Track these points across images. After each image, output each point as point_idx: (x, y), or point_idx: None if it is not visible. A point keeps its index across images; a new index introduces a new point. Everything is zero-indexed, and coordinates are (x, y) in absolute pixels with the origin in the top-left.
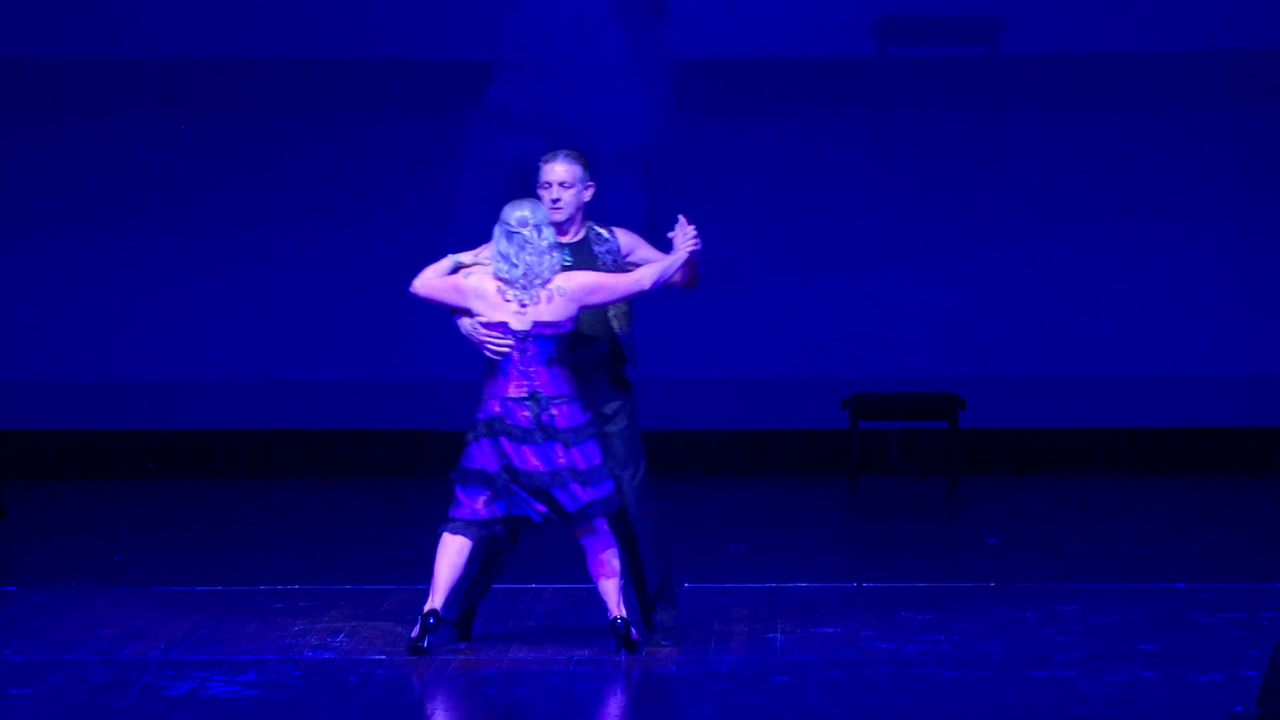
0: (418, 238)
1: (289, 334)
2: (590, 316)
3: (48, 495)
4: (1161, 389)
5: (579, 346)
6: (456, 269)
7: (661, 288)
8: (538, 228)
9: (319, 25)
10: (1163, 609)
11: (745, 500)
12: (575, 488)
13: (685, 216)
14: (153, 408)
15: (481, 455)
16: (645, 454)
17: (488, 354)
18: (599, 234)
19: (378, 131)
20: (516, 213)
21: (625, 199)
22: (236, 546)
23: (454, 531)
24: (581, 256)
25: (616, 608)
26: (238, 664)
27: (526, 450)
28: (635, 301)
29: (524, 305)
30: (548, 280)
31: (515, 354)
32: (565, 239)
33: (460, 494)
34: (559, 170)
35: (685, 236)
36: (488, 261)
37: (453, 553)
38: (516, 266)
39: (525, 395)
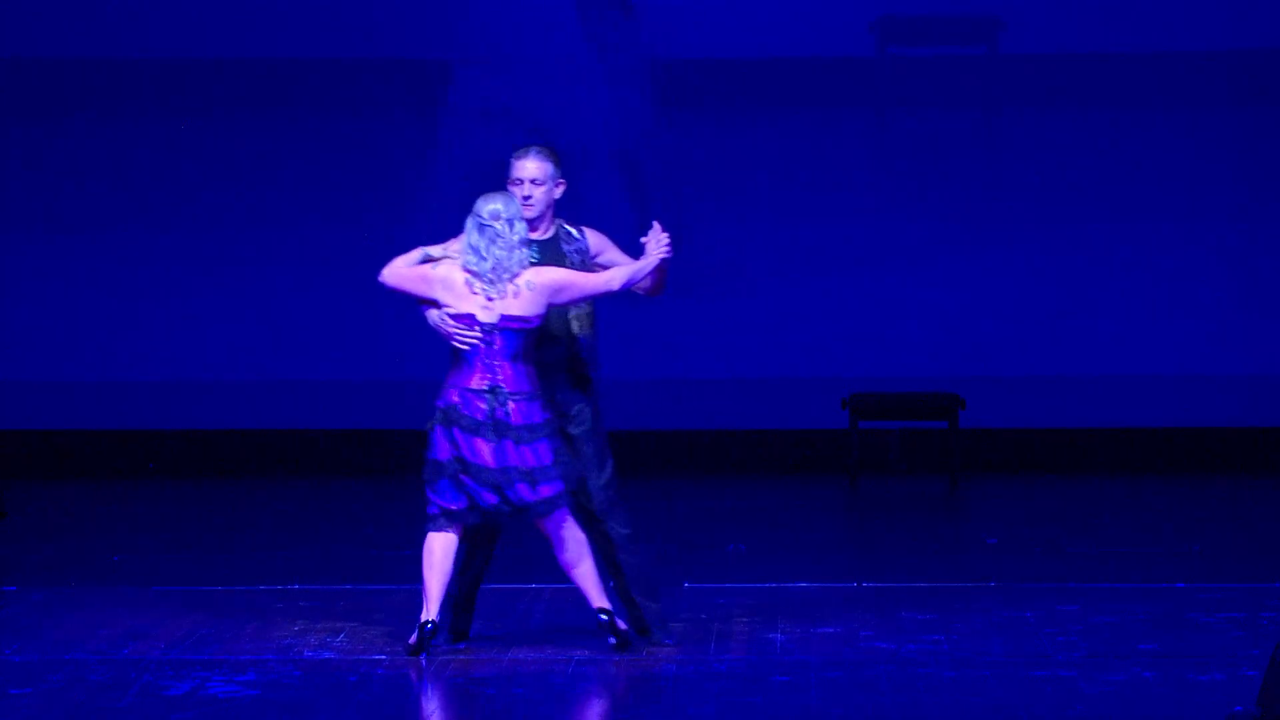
0: (418, 238)
1: (289, 334)
2: (553, 317)
3: (48, 495)
4: (1161, 389)
5: (543, 346)
6: (425, 260)
7: (627, 293)
8: (510, 221)
9: (319, 25)
10: (1163, 609)
11: (745, 500)
12: (522, 487)
13: (660, 223)
14: (153, 408)
15: (437, 444)
16: (612, 456)
17: (454, 345)
18: (569, 232)
19: (378, 131)
20: (489, 206)
21: (625, 199)
22: (236, 546)
23: (436, 529)
24: (550, 254)
25: (598, 599)
26: (238, 664)
27: (479, 443)
28: (631, 302)
29: (491, 298)
30: (516, 274)
31: (481, 346)
32: (535, 236)
33: (429, 493)
34: (530, 167)
35: (658, 243)
36: (457, 254)
37: (438, 556)
38: (486, 260)
39: (486, 388)
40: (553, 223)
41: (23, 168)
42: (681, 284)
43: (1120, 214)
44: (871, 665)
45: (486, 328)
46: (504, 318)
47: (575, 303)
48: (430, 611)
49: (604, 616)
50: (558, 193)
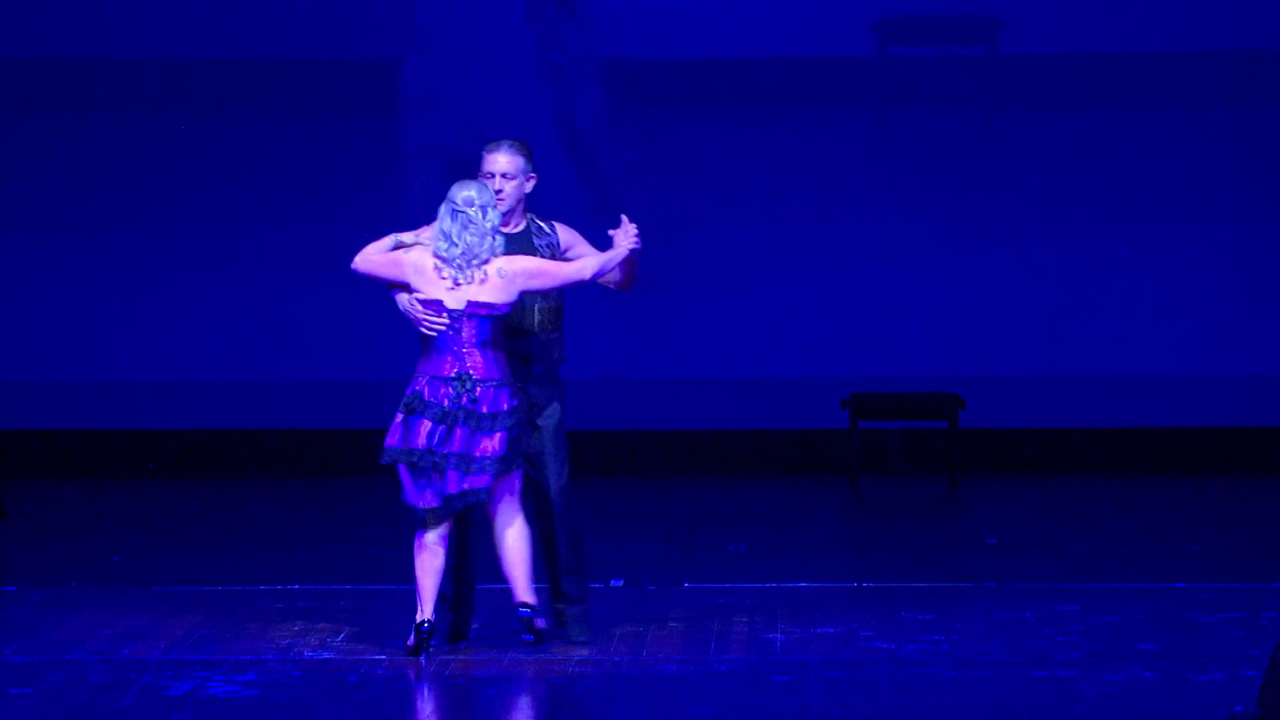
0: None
1: (289, 334)
2: (519, 311)
3: (48, 495)
4: (1161, 389)
5: (511, 339)
6: (397, 247)
7: (610, 291)
8: (483, 209)
9: (319, 26)
10: (1163, 609)
11: (745, 500)
12: (453, 475)
13: (627, 215)
14: (153, 408)
15: (391, 430)
16: (570, 457)
17: (423, 331)
18: (540, 227)
19: (378, 132)
20: (463, 192)
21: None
22: (236, 546)
23: (424, 527)
24: (521, 248)
25: (524, 593)
26: (238, 664)
27: (443, 429)
28: (631, 303)
29: (458, 282)
30: (486, 261)
31: (450, 333)
32: (506, 230)
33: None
34: (502, 161)
35: (627, 235)
36: (429, 240)
37: (427, 555)
38: (456, 245)
39: (454, 375)
40: (524, 217)
41: (23, 168)
42: (681, 284)
43: (1120, 214)
44: (871, 665)
45: (454, 314)
46: (471, 304)
47: (547, 291)
48: (425, 612)
49: (525, 610)
50: (529, 187)
